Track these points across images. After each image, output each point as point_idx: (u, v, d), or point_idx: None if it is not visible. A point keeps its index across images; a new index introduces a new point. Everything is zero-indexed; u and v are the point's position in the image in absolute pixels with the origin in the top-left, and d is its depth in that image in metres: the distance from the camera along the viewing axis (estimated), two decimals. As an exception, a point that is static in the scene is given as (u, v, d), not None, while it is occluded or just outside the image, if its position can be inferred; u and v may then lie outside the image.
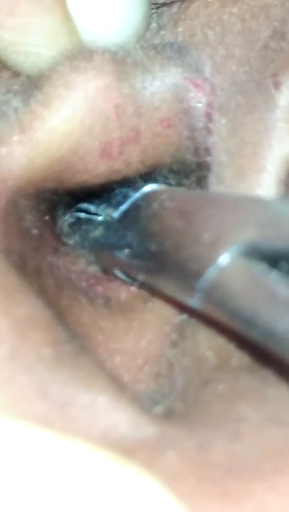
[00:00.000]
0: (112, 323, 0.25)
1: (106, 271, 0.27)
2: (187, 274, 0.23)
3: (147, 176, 0.27)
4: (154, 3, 0.27)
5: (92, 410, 0.22)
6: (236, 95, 0.26)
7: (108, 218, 0.27)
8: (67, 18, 0.25)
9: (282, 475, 0.21)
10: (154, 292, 0.26)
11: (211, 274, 0.23)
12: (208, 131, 0.26)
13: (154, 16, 0.27)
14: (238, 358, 0.25)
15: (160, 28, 0.27)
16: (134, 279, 0.26)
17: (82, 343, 0.23)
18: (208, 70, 0.27)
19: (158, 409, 0.24)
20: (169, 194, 0.26)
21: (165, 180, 0.27)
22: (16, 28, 0.24)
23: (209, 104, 0.26)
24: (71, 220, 0.27)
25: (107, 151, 0.25)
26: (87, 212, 0.27)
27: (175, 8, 0.27)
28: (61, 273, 0.26)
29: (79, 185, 0.26)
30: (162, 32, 0.27)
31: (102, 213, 0.27)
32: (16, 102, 0.24)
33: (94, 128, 0.25)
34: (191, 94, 0.26)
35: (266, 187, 0.25)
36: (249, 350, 0.24)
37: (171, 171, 0.27)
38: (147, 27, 0.27)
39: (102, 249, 0.27)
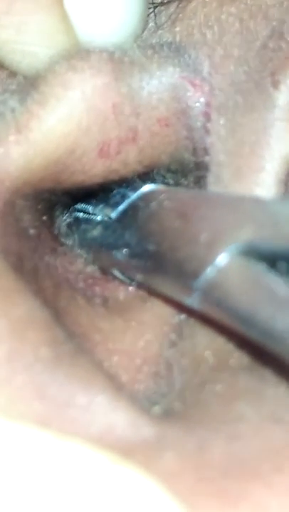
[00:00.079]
0: (110, 323, 0.25)
1: (104, 271, 0.27)
2: (185, 273, 0.23)
3: (145, 176, 0.27)
4: (151, 3, 0.27)
5: (90, 410, 0.22)
6: (235, 95, 0.26)
7: (106, 218, 0.27)
8: (64, 17, 0.25)
9: (281, 475, 0.21)
10: (153, 292, 0.26)
11: (209, 274, 0.23)
12: (207, 130, 0.26)
13: (152, 15, 0.27)
14: (237, 357, 0.25)
15: (158, 27, 0.27)
16: (132, 279, 0.26)
17: (80, 343, 0.23)
18: (206, 69, 0.27)
19: (156, 409, 0.24)
20: (167, 194, 0.26)
21: (163, 180, 0.27)
22: (12, 27, 0.24)
23: (207, 104, 0.26)
24: (69, 220, 0.27)
25: (105, 150, 0.25)
26: (85, 212, 0.27)
27: (173, 7, 0.27)
28: (59, 273, 0.26)
29: (77, 185, 0.26)
30: (160, 31, 0.27)
31: (100, 213, 0.27)
32: (12, 102, 0.24)
33: (91, 128, 0.25)
34: (188, 94, 0.26)
35: (265, 187, 0.25)
36: (247, 350, 0.24)
37: (169, 170, 0.27)
38: (145, 26, 0.27)
39: (100, 248, 0.27)
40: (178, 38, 0.27)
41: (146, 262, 0.25)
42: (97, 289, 0.26)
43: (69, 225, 0.27)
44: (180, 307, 0.25)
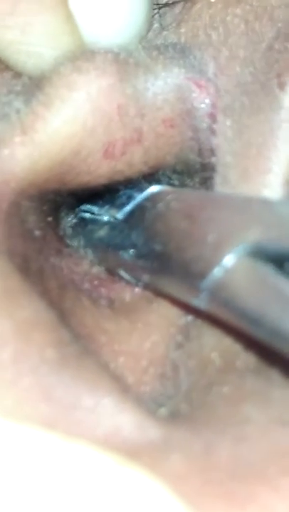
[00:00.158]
0: (116, 324, 0.25)
1: (110, 272, 0.27)
2: (192, 274, 0.23)
3: (151, 177, 0.26)
4: (156, 4, 0.27)
5: (96, 412, 0.22)
6: (241, 96, 0.26)
7: (112, 219, 0.27)
8: (69, 17, 0.25)
9: (287, 477, 0.21)
10: (159, 293, 0.26)
11: (216, 275, 0.23)
12: (212, 132, 0.26)
13: (157, 16, 0.27)
14: (244, 359, 0.24)
15: (163, 28, 0.27)
16: (138, 280, 0.26)
17: (85, 344, 0.23)
18: (211, 70, 0.26)
19: (163, 411, 0.24)
20: (174, 195, 0.26)
21: (169, 181, 0.27)
22: (17, 28, 0.24)
23: (213, 105, 0.26)
24: (74, 221, 0.27)
25: (110, 151, 0.25)
26: (90, 213, 0.27)
27: (178, 8, 0.27)
28: (64, 274, 0.26)
29: (82, 186, 0.26)
30: (165, 32, 0.27)
31: (106, 214, 0.27)
32: (17, 103, 0.24)
33: (96, 129, 0.25)
34: (194, 95, 0.26)
35: (272, 188, 0.25)
36: (254, 351, 0.24)
37: (174, 171, 0.27)
38: (150, 27, 0.27)
39: (106, 249, 0.27)
40: (183, 39, 0.27)
41: (153, 262, 0.25)
42: (103, 290, 0.26)
43: (74, 226, 0.27)
44: (187, 308, 0.25)
